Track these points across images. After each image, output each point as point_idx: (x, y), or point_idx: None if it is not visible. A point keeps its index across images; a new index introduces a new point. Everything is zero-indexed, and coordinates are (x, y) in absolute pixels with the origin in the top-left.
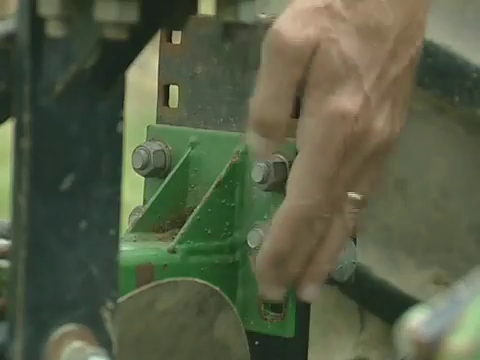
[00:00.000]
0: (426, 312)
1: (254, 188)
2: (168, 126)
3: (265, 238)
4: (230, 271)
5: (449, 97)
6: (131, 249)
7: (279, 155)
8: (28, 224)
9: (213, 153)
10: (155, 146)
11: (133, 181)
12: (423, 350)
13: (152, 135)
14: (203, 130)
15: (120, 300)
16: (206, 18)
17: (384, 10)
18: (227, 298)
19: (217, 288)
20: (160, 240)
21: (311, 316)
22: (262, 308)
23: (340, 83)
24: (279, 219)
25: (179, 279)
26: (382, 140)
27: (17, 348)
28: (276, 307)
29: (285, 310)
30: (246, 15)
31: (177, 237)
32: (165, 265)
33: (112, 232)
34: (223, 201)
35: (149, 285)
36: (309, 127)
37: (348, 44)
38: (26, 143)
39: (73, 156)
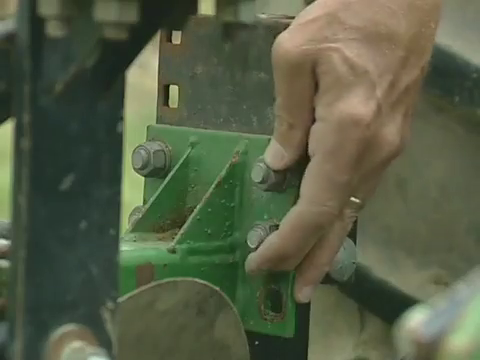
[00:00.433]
0: (426, 312)
1: (254, 188)
2: (168, 126)
3: (268, 239)
4: (230, 271)
5: (449, 97)
6: (131, 249)
7: None
8: (28, 224)
9: (213, 153)
10: (155, 146)
11: (133, 181)
12: (423, 350)
13: (152, 135)
14: (203, 130)
15: (120, 300)
16: (206, 18)
17: (396, 18)
18: (227, 298)
19: (217, 288)
20: (160, 240)
21: (311, 316)
22: (262, 308)
23: (350, 88)
24: (289, 223)
25: (179, 279)
26: (393, 149)
27: (17, 348)
28: (276, 307)
29: (285, 310)
30: (246, 15)
31: (177, 237)
32: (165, 265)
33: (112, 232)
34: (223, 201)
35: (149, 285)
36: (321, 133)
37: (353, 50)
38: (26, 143)
39: (73, 156)
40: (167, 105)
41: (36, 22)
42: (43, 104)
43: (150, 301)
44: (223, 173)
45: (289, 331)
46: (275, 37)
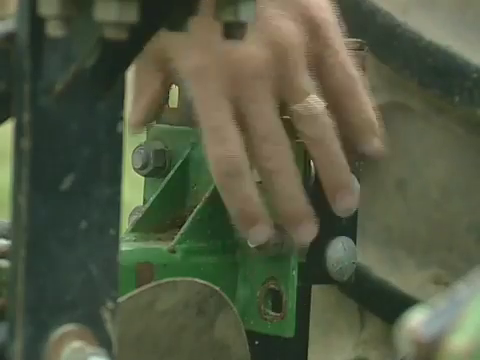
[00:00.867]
0: (426, 312)
1: None
2: (168, 126)
3: None
4: (230, 271)
5: (449, 97)
6: (131, 249)
7: None
8: (28, 224)
9: None
10: (155, 146)
11: (133, 181)
12: (423, 350)
13: (152, 135)
14: None
15: (120, 300)
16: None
17: None
18: (227, 298)
19: (217, 288)
20: (160, 240)
21: (311, 316)
22: (262, 308)
23: None
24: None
25: (179, 279)
26: None
27: (17, 348)
28: (276, 307)
29: (285, 310)
30: (246, 15)
31: (177, 237)
32: (165, 265)
33: (112, 232)
34: (223, 201)
35: (149, 285)
36: None
37: None
38: (26, 143)
39: (73, 156)
40: (167, 105)
41: (36, 22)
42: (43, 104)
43: (150, 301)
44: None
45: (289, 331)
46: None
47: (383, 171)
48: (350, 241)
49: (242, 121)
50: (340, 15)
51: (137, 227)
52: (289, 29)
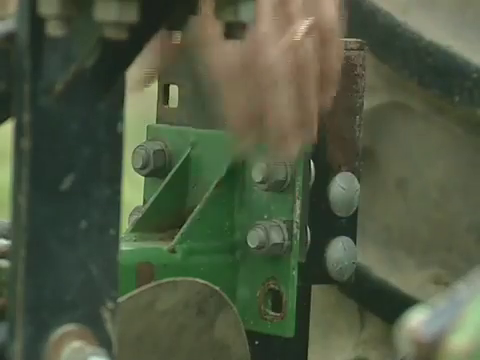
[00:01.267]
0: (426, 312)
1: (254, 188)
2: (168, 126)
3: None
4: (230, 271)
5: (449, 97)
6: (131, 249)
7: None
8: (28, 224)
9: (213, 153)
10: (155, 146)
11: (133, 181)
12: (423, 350)
13: (152, 135)
14: (203, 130)
15: (120, 300)
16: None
17: None
18: (227, 298)
19: (217, 288)
20: (160, 240)
21: (311, 316)
22: (262, 308)
23: None
24: None
25: (179, 279)
26: None
27: (17, 348)
28: (276, 307)
29: (285, 310)
30: (246, 15)
31: (177, 237)
32: (165, 265)
33: (112, 232)
34: (223, 201)
35: (149, 285)
36: None
37: None
38: (26, 143)
39: (73, 156)
40: (167, 105)
41: (36, 22)
42: (43, 104)
43: (150, 301)
44: (223, 173)
45: (289, 331)
46: None
47: (383, 171)
48: (350, 241)
49: None
50: (340, 15)
51: (137, 227)
52: None
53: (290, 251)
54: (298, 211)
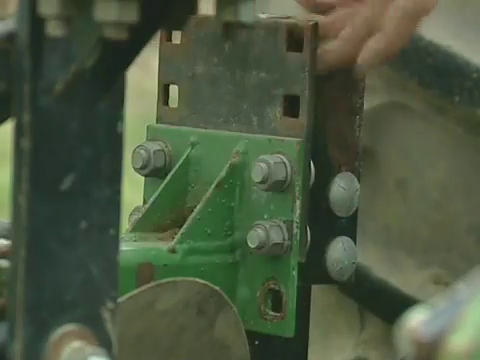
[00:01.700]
0: (426, 312)
1: (254, 188)
2: (168, 126)
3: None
4: (230, 271)
5: (449, 97)
6: (131, 249)
7: (279, 155)
8: (28, 224)
9: (213, 153)
10: (155, 146)
11: (133, 181)
12: (423, 350)
13: (152, 135)
14: (203, 130)
15: (120, 300)
16: (206, 18)
17: None
18: (227, 298)
19: (217, 288)
20: (160, 240)
21: (311, 316)
22: (262, 308)
23: None
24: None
25: (179, 279)
26: None
27: (17, 348)
28: (276, 307)
29: (285, 310)
30: (246, 15)
31: (177, 237)
32: (165, 265)
33: (112, 232)
34: (223, 201)
35: (149, 285)
36: None
37: None
38: (26, 143)
39: (73, 156)
40: (167, 105)
41: (36, 22)
42: (43, 104)
43: (150, 301)
44: (223, 173)
45: (289, 331)
46: (275, 37)
47: (383, 171)
48: (350, 241)
49: None
50: None
51: (137, 227)
52: None
53: (290, 251)
54: (298, 211)
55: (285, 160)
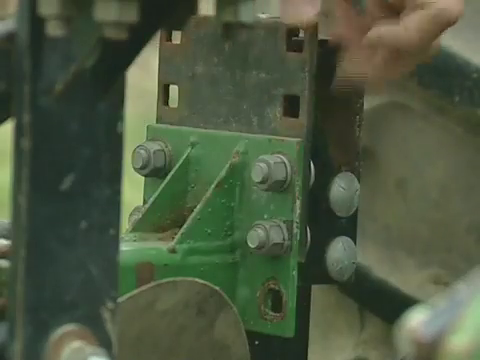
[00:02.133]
0: (426, 312)
1: (254, 188)
2: (168, 126)
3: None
4: (230, 271)
5: (449, 97)
6: (131, 249)
7: (279, 155)
8: (28, 224)
9: (213, 153)
10: (155, 146)
11: (133, 181)
12: (423, 350)
13: (152, 135)
14: (203, 130)
15: (120, 300)
16: (206, 18)
17: None
18: (227, 298)
19: (217, 288)
20: (160, 240)
21: (311, 316)
22: (262, 308)
23: None
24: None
25: (179, 279)
26: None
27: (17, 348)
28: (276, 307)
29: (285, 310)
30: (246, 15)
31: (177, 237)
32: (165, 265)
33: (112, 232)
34: (223, 201)
35: (149, 285)
36: None
37: None
38: (26, 143)
39: (73, 156)
40: (167, 105)
41: (36, 22)
42: (43, 104)
43: (150, 301)
44: (223, 173)
45: (289, 331)
46: (275, 37)
47: (383, 171)
48: (350, 241)
49: None
50: None
51: (137, 227)
52: None
53: (290, 251)
54: (298, 211)
55: (285, 160)
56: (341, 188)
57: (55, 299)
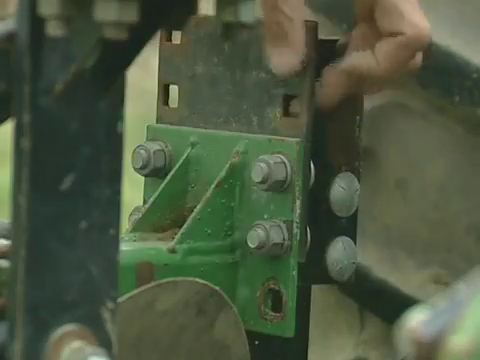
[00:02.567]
0: (426, 312)
1: (254, 188)
2: (168, 126)
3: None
4: (230, 271)
5: (449, 97)
6: (131, 248)
7: (279, 155)
8: (28, 224)
9: (213, 153)
10: (155, 146)
11: (133, 181)
12: (423, 350)
13: (152, 135)
14: (203, 130)
15: (120, 300)
16: (206, 18)
17: None
18: (227, 298)
19: (217, 288)
20: (160, 240)
21: (311, 316)
22: (262, 308)
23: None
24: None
25: (179, 279)
26: None
27: (17, 348)
28: (276, 307)
29: (285, 310)
30: (246, 15)
31: (177, 237)
32: (165, 265)
33: (112, 232)
34: (223, 201)
35: (149, 285)
36: None
37: None
38: (26, 143)
39: (73, 156)
40: (167, 105)
41: (36, 22)
42: (43, 104)
43: (150, 301)
44: (223, 173)
45: (289, 331)
46: None
47: (383, 171)
48: (350, 241)
49: None
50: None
51: (137, 227)
52: None
53: (290, 251)
54: (298, 211)
55: (285, 160)
56: (341, 188)
57: (55, 299)
